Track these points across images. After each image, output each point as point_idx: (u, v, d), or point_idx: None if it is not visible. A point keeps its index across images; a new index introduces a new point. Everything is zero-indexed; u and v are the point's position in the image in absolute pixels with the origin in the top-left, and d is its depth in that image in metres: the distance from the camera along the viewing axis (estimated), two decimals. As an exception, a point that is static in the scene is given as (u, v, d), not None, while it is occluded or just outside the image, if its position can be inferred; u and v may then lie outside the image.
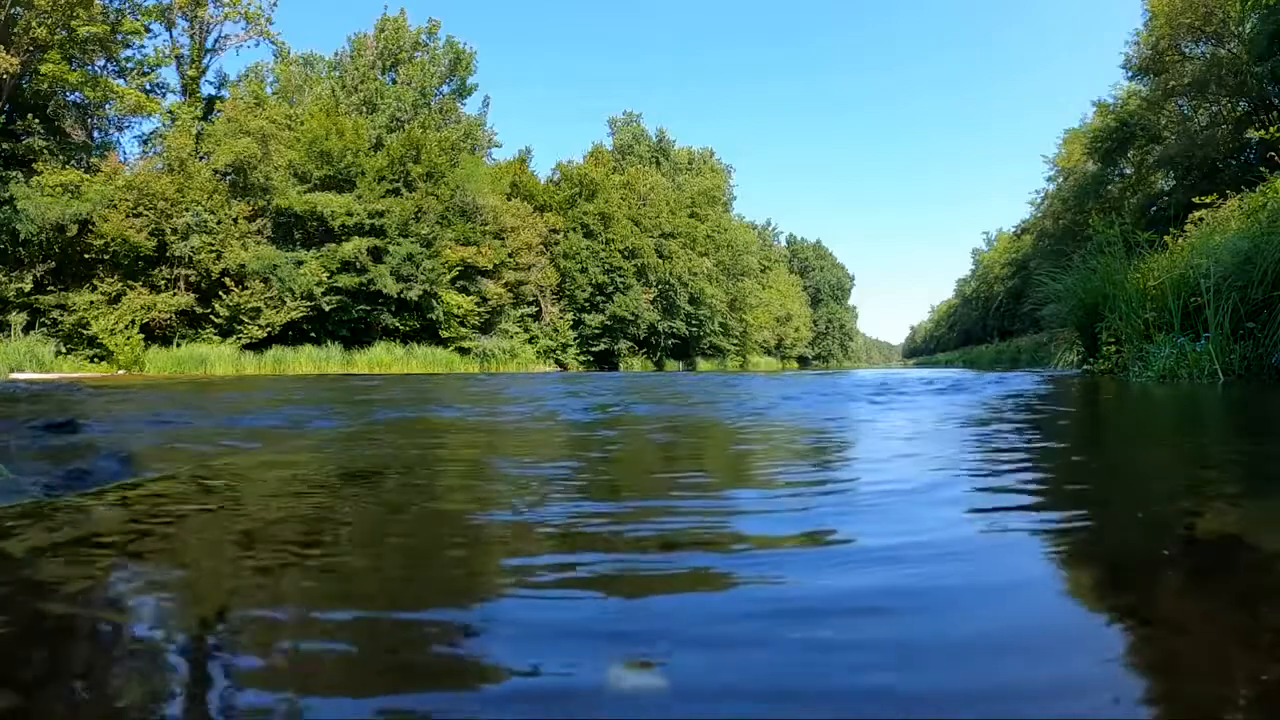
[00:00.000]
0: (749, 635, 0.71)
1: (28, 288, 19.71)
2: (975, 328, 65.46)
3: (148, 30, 24.14)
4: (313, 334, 24.42)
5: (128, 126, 25.23)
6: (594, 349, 35.95)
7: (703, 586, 0.88)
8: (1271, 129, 10.16)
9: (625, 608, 0.81)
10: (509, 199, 32.67)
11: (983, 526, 1.15)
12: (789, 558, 0.98)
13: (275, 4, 26.90)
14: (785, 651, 0.66)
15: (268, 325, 22.83)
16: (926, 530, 1.11)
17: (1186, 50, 25.44)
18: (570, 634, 0.72)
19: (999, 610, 0.77)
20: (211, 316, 22.48)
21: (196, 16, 25.69)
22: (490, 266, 28.81)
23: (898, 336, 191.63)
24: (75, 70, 21.49)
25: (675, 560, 0.97)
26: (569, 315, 35.06)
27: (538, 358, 31.48)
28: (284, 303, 23.21)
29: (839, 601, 0.80)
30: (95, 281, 20.73)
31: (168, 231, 21.59)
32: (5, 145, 20.93)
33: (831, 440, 2.67)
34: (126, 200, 21.05)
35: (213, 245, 22.32)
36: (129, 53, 24.03)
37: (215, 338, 22.44)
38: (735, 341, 49.66)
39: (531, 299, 32.48)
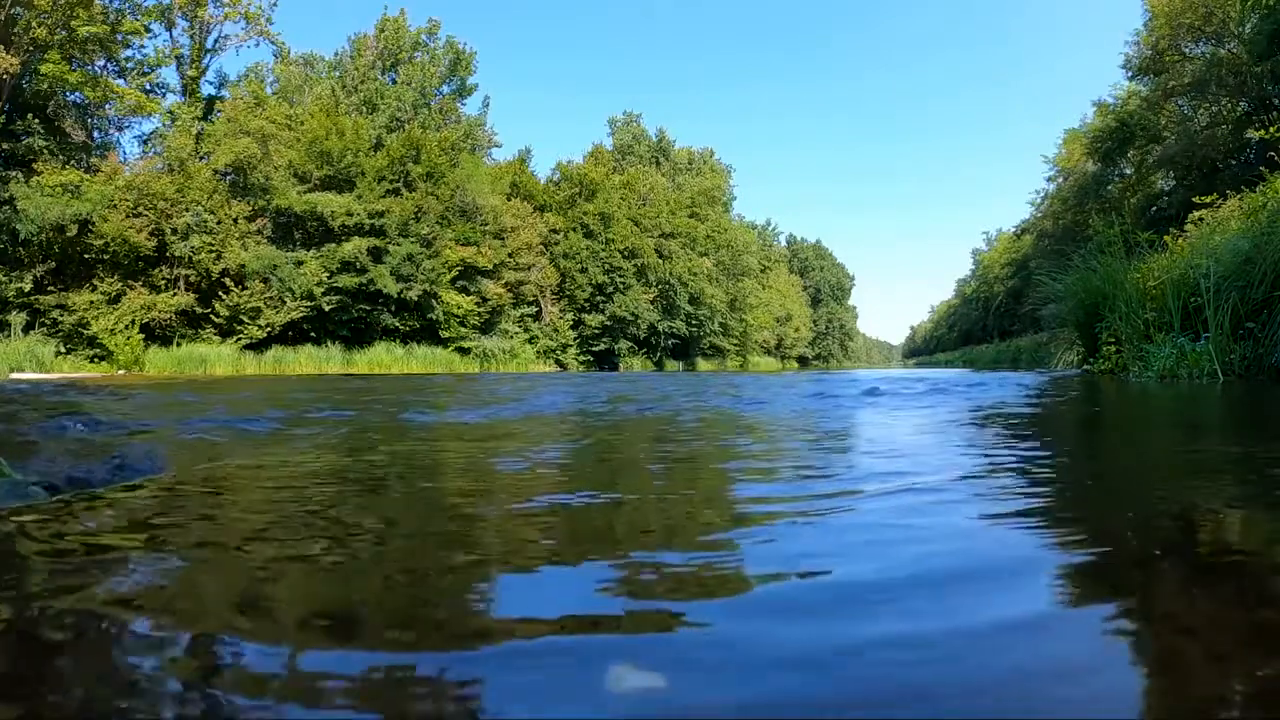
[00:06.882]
0: (753, 630, 0.71)
1: (28, 288, 19.74)
2: (975, 328, 65.50)
3: (148, 30, 24.18)
4: (313, 334, 24.44)
5: (128, 126, 25.31)
6: (594, 349, 35.99)
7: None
8: (1271, 129, 10.15)
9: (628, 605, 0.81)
10: (509, 199, 32.68)
11: (979, 525, 1.15)
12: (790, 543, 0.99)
13: (275, 4, 26.96)
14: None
15: (268, 325, 22.85)
16: (924, 528, 1.11)
17: (1186, 50, 25.45)
18: (571, 636, 0.72)
19: (995, 609, 0.77)
20: (211, 316, 22.50)
21: (196, 16, 25.71)
22: (490, 266, 28.82)
23: (898, 336, 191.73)
24: (75, 70, 21.51)
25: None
26: (569, 315, 35.08)
27: (538, 358, 31.50)
28: (284, 303, 23.23)
29: (849, 587, 0.80)
30: (95, 281, 20.75)
31: (168, 231, 21.62)
32: (5, 145, 20.96)
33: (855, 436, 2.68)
34: (126, 200, 21.07)
35: (213, 245, 22.34)
36: (129, 53, 24.10)
37: (215, 338, 22.47)
38: (735, 341, 49.69)
39: (531, 299, 32.49)
